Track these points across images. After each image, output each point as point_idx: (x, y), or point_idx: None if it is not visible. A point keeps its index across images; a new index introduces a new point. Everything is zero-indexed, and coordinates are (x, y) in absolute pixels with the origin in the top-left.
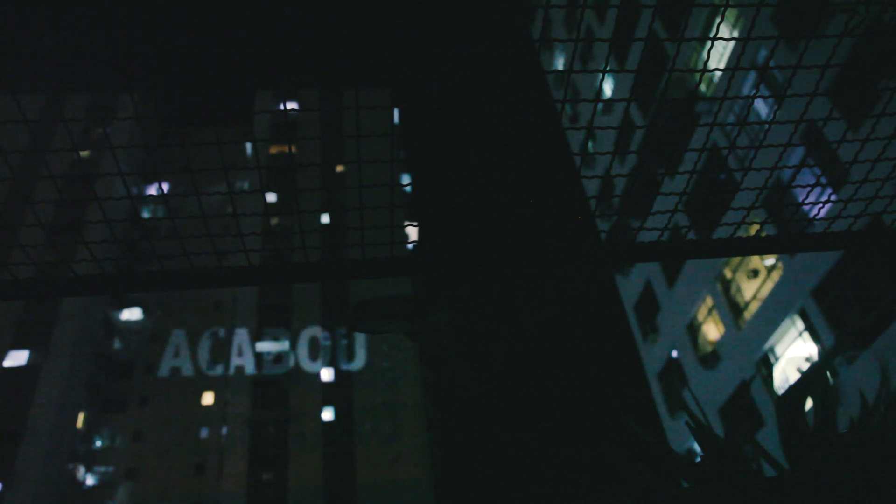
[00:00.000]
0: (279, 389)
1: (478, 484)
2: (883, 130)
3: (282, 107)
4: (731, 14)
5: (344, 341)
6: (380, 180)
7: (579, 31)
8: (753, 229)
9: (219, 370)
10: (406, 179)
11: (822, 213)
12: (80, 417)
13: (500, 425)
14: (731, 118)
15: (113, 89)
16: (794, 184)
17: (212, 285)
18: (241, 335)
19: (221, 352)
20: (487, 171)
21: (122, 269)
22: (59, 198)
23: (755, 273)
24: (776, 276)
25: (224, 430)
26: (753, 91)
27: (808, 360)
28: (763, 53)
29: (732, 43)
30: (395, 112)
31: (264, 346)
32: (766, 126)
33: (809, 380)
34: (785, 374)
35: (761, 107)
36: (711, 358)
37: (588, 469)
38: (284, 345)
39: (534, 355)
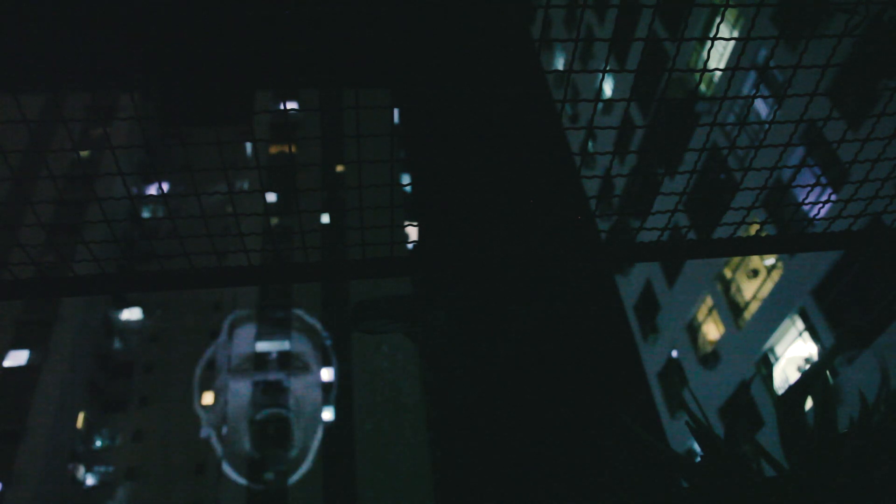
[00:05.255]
0: (279, 389)
1: (478, 484)
2: (883, 130)
3: (282, 107)
4: (731, 14)
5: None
6: (380, 180)
7: (579, 31)
8: (753, 229)
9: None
10: (406, 179)
11: (822, 213)
12: (80, 417)
13: (499, 425)
14: (731, 118)
15: (113, 89)
16: (794, 184)
17: (212, 285)
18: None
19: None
20: (487, 171)
21: (122, 269)
22: (59, 198)
23: (755, 273)
24: (776, 276)
25: (224, 430)
26: (753, 91)
27: (808, 360)
28: (763, 53)
29: (732, 43)
30: (395, 112)
31: (264, 346)
32: (766, 126)
33: (809, 380)
34: (785, 374)
35: (761, 107)
36: (711, 358)
37: (588, 469)
38: (284, 344)
39: (534, 355)
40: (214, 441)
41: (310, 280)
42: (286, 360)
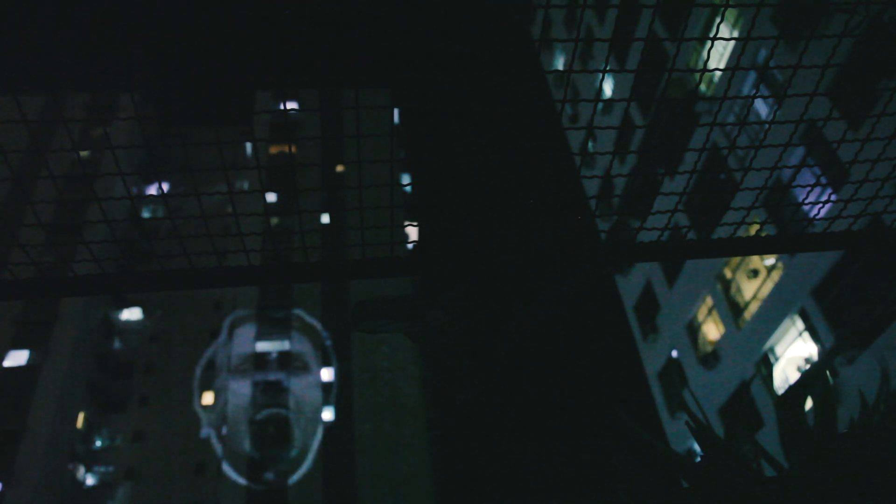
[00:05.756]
0: (279, 389)
1: (478, 484)
2: (883, 130)
3: (282, 107)
4: (731, 14)
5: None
6: (380, 180)
7: (579, 31)
8: (753, 229)
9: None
10: (406, 179)
11: (822, 213)
12: (80, 417)
13: (499, 425)
14: (731, 118)
15: (113, 89)
16: (794, 184)
17: (212, 285)
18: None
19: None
20: (487, 171)
21: (122, 269)
22: (59, 198)
23: (755, 273)
24: (776, 276)
25: (224, 430)
26: (753, 91)
27: (808, 360)
28: (763, 53)
29: (732, 43)
30: (395, 112)
31: (264, 346)
32: (766, 126)
33: (809, 380)
34: (785, 374)
35: (761, 107)
36: (711, 358)
37: (588, 469)
38: (284, 344)
39: (534, 355)
40: (214, 441)
41: (310, 280)
42: (286, 360)
